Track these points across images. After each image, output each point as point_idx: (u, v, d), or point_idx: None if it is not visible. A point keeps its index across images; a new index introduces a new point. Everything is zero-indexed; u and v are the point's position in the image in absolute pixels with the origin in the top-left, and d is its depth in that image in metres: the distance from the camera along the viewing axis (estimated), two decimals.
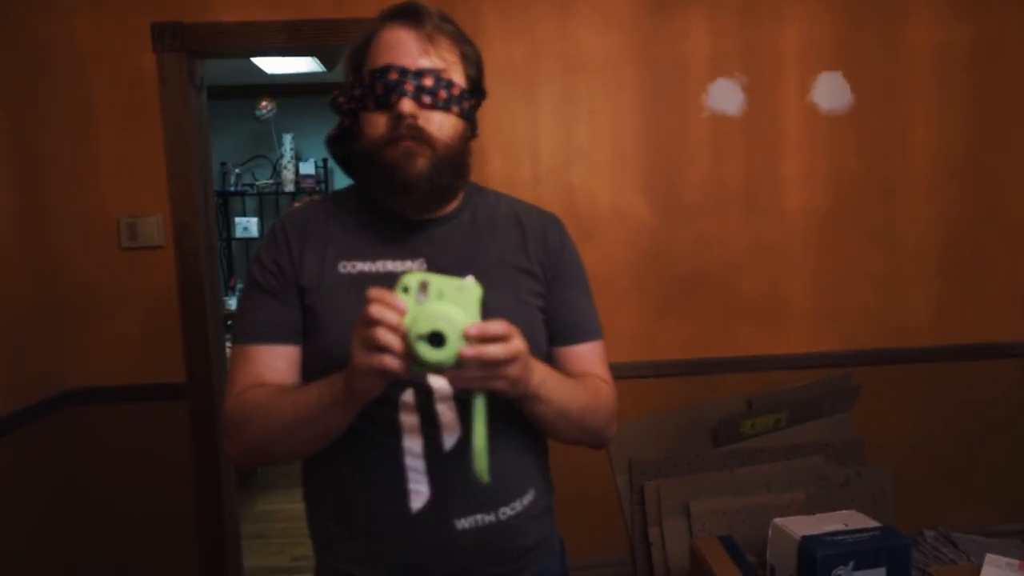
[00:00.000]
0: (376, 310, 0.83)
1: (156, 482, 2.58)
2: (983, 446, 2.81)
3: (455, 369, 0.85)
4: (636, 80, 2.61)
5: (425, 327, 0.82)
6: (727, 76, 2.62)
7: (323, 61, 4.43)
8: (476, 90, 1.11)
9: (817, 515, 2.09)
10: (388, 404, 1.02)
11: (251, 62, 4.45)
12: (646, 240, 2.65)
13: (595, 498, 2.67)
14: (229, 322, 3.27)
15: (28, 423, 2.30)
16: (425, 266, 1.08)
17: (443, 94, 1.04)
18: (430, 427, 1.04)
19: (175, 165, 2.50)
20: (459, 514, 1.04)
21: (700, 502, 2.58)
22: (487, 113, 1.17)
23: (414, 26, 1.05)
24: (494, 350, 0.85)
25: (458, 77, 1.07)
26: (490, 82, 1.15)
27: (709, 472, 2.64)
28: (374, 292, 0.85)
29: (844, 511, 2.13)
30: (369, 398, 0.92)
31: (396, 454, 1.04)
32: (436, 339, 0.82)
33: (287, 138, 5.43)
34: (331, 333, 1.04)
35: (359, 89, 1.06)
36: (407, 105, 1.01)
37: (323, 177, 5.56)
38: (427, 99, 1.03)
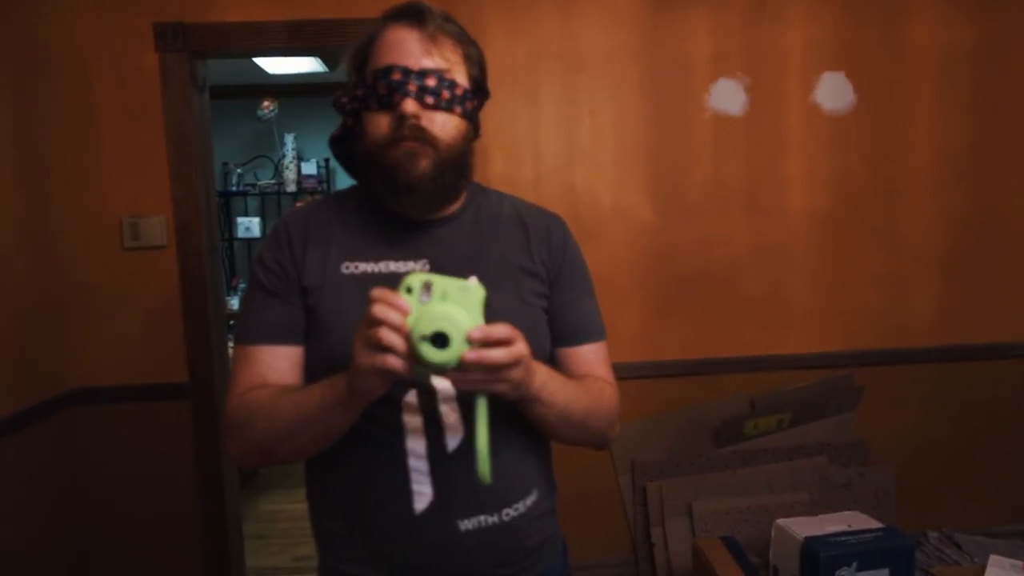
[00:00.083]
0: (379, 310, 0.83)
1: (158, 482, 2.58)
2: (986, 446, 2.80)
3: (458, 370, 0.85)
4: (638, 80, 2.61)
5: (428, 328, 0.82)
6: (729, 76, 2.62)
7: (325, 61, 4.44)
8: (479, 90, 1.11)
9: (820, 516, 2.09)
10: (391, 405, 1.01)
11: (253, 62, 4.45)
12: (648, 240, 2.65)
13: (598, 498, 2.67)
14: (231, 322, 3.27)
15: (31, 423, 2.30)
16: (428, 266, 1.08)
17: (446, 94, 1.04)
18: (433, 428, 1.04)
19: (177, 165, 2.50)
20: (462, 515, 1.04)
21: (703, 502, 2.58)
22: (489, 113, 1.16)
23: (417, 26, 1.04)
24: (497, 354, 0.85)
25: (461, 77, 1.07)
26: (492, 82, 1.15)
27: (712, 472, 2.64)
28: (377, 292, 0.85)
29: (847, 512, 2.13)
30: (372, 398, 0.91)
31: (399, 455, 1.03)
32: (439, 340, 0.82)
33: (289, 138, 5.43)
34: (333, 334, 1.04)
35: (362, 89, 1.06)
36: (410, 106, 1.01)
37: (325, 177, 5.57)
38: (430, 99, 1.03)
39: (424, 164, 1.03)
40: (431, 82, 1.02)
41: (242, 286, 5.36)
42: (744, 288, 2.69)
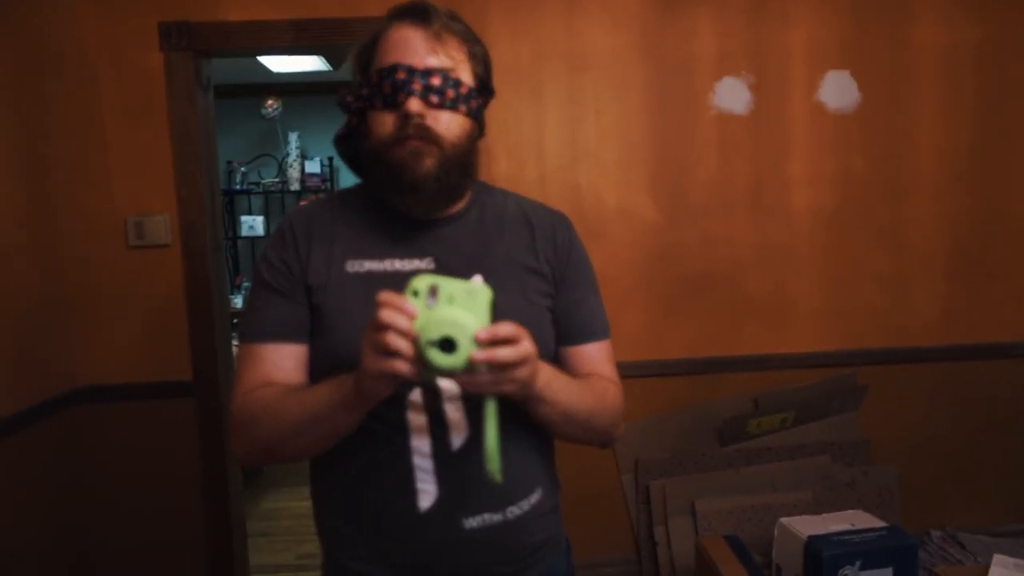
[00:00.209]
0: (386, 315, 0.83)
1: (162, 480, 2.58)
2: (990, 446, 2.80)
3: (466, 373, 0.85)
4: (643, 79, 2.60)
5: (435, 333, 0.82)
6: (734, 75, 2.62)
7: (329, 60, 4.44)
8: (484, 89, 1.11)
9: (823, 515, 2.09)
10: (396, 404, 1.01)
11: (257, 61, 4.46)
12: (652, 239, 2.65)
13: (601, 497, 2.67)
14: (235, 320, 3.28)
15: (36, 421, 2.31)
16: (433, 265, 1.08)
17: (451, 93, 1.04)
18: (438, 427, 1.04)
19: (182, 164, 2.51)
20: (467, 513, 1.04)
21: (706, 501, 2.58)
22: (493, 113, 1.16)
23: (422, 25, 1.04)
24: (504, 353, 0.85)
25: (466, 76, 1.07)
26: (496, 81, 1.15)
27: (715, 471, 2.64)
28: (384, 296, 0.85)
29: (850, 511, 2.13)
30: (378, 400, 0.92)
31: (404, 453, 1.04)
32: (447, 345, 0.82)
33: (293, 137, 5.44)
34: (338, 332, 1.04)
35: (366, 88, 1.06)
36: (415, 104, 1.01)
37: (328, 176, 5.58)
38: (435, 98, 1.02)
39: (429, 163, 1.03)
40: (436, 81, 1.02)
41: (246, 285, 5.37)
42: (748, 287, 2.69)
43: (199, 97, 2.53)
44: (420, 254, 1.09)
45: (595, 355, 1.16)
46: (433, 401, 1.03)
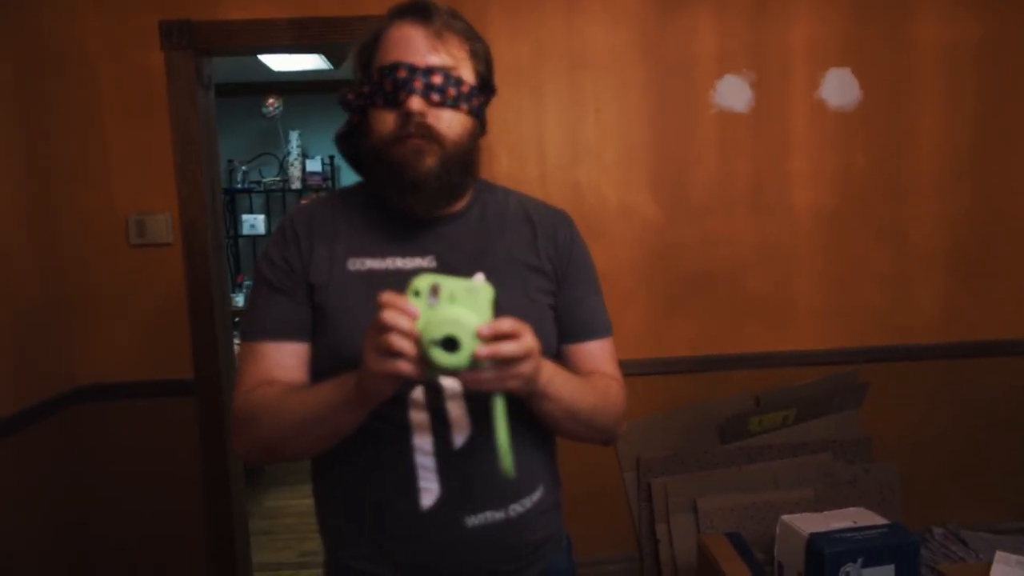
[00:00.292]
0: (389, 316, 0.83)
1: (164, 479, 2.59)
2: (991, 443, 2.80)
3: (470, 371, 0.85)
4: (643, 78, 2.60)
5: (438, 332, 0.82)
6: (735, 73, 2.61)
7: (329, 58, 4.44)
8: (485, 87, 1.11)
9: (825, 512, 2.09)
10: (398, 402, 1.01)
11: (258, 60, 4.45)
12: (653, 238, 2.65)
13: (603, 495, 2.67)
14: (236, 319, 3.28)
15: (37, 420, 2.31)
16: (435, 263, 1.08)
17: (452, 91, 1.03)
18: (440, 425, 1.04)
19: (183, 163, 2.51)
20: (469, 511, 1.04)
21: (708, 499, 2.58)
22: (494, 112, 1.16)
23: (423, 23, 1.04)
24: (508, 347, 0.85)
25: (467, 74, 1.07)
26: (497, 80, 1.15)
27: (717, 469, 2.64)
28: (386, 297, 0.85)
29: (852, 508, 2.13)
30: (381, 399, 0.91)
31: (406, 452, 1.04)
32: (450, 344, 0.82)
33: (294, 135, 5.44)
34: (340, 331, 1.04)
35: (368, 86, 1.06)
36: (416, 103, 1.01)
37: (329, 174, 5.58)
38: (436, 97, 1.02)
39: (430, 161, 1.03)
40: (437, 79, 1.02)
41: (247, 283, 5.37)
42: (749, 285, 2.68)
43: (200, 96, 2.53)
44: (422, 252, 1.08)
45: (597, 353, 1.16)
46: (435, 399, 1.03)
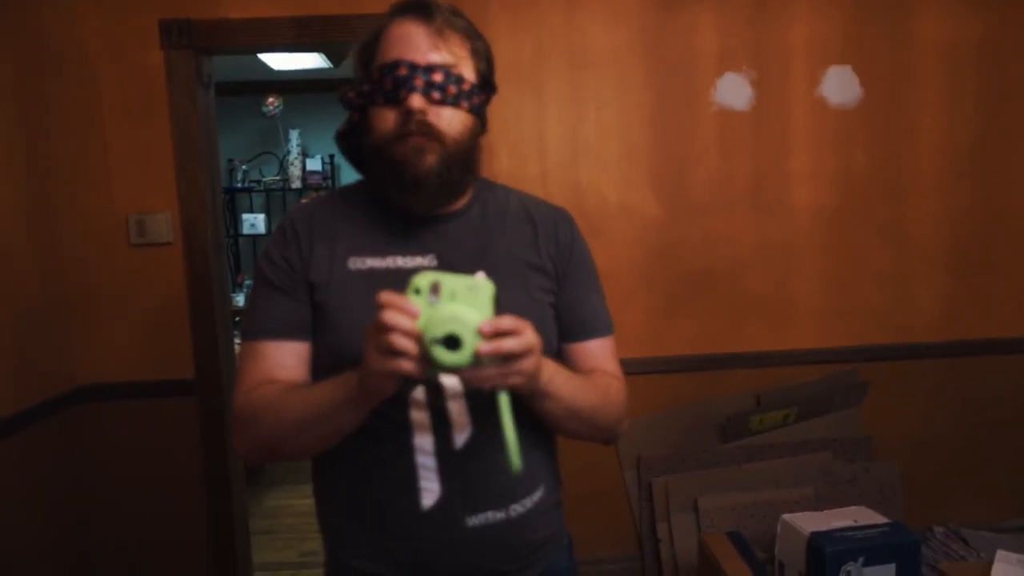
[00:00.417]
0: (389, 316, 0.83)
1: (164, 479, 2.58)
2: (992, 442, 2.80)
3: (471, 369, 0.84)
4: (644, 76, 2.60)
5: (439, 330, 0.81)
6: (735, 71, 2.61)
7: (329, 57, 4.43)
8: (486, 85, 1.11)
9: (826, 511, 2.09)
10: (399, 401, 1.01)
11: (258, 58, 4.45)
12: (653, 236, 2.65)
13: (603, 494, 2.67)
14: (237, 318, 3.28)
15: (37, 420, 2.31)
16: (435, 262, 1.07)
17: (453, 89, 1.03)
18: (441, 424, 1.04)
19: (183, 162, 2.50)
20: (470, 511, 1.04)
21: (708, 498, 2.58)
22: (494, 110, 1.16)
23: (424, 20, 1.04)
24: (510, 343, 0.84)
25: (468, 72, 1.06)
26: (497, 78, 1.14)
27: (717, 468, 2.64)
28: (386, 296, 0.84)
29: (853, 507, 2.13)
30: (382, 398, 0.91)
31: (407, 451, 1.03)
32: (451, 342, 0.82)
33: (294, 134, 5.44)
34: (341, 330, 1.04)
35: (368, 84, 1.05)
36: (416, 101, 1.01)
37: (330, 173, 5.57)
38: (437, 95, 1.02)
39: (431, 159, 1.02)
40: (438, 77, 1.02)
41: (247, 283, 5.37)
42: (749, 284, 2.68)
43: (200, 95, 2.53)
44: (422, 251, 1.08)
45: (598, 351, 1.16)
46: (436, 399, 1.03)
